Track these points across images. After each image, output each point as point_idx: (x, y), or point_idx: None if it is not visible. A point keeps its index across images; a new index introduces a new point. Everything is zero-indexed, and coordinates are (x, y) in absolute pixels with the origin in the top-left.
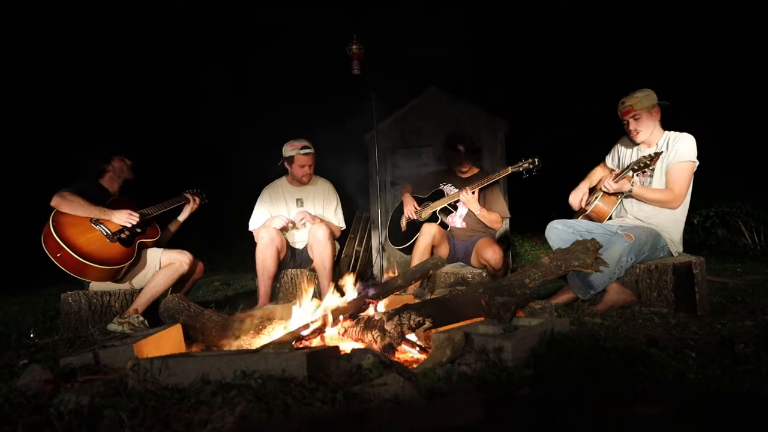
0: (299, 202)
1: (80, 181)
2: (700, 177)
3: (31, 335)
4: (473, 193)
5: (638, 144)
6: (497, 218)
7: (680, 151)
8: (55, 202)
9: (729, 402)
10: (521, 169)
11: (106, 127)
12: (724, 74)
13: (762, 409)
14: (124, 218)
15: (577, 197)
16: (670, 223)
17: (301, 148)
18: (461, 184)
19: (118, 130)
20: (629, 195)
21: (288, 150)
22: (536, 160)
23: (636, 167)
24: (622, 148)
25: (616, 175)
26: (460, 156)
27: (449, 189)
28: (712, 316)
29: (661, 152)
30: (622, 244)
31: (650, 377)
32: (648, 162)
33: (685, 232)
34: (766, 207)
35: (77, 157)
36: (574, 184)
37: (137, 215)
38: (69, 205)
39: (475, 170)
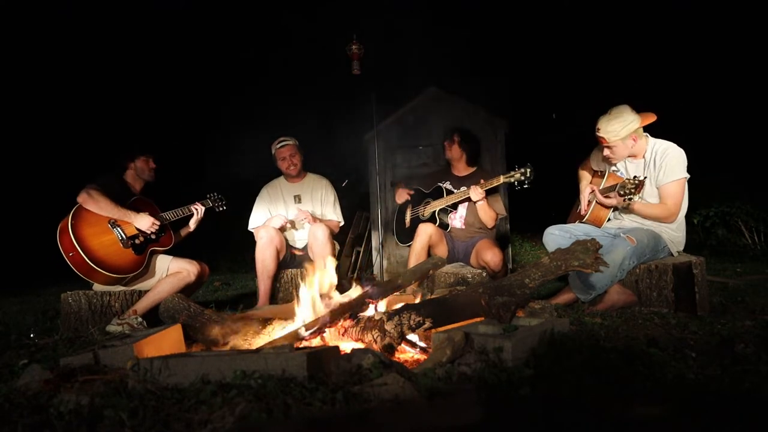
0: (297, 198)
1: (105, 174)
2: (699, 177)
3: (31, 335)
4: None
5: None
6: (494, 216)
7: (669, 170)
8: (82, 198)
9: (729, 402)
10: (513, 180)
11: (112, 129)
12: (724, 74)
13: (762, 409)
14: (146, 225)
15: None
16: (668, 225)
17: (278, 143)
18: (458, 182)
19: (132, 131)
20: (626, 209)
21: (272, 150)
22: (527, 171)
23: (621, 192)
24: None
25: (606, 191)
26: (454, 143)
27: (447, 187)
28: (712, 316)
29: (645, 178)
30: (624, 247)
31: (650, 377)
32: (632, 189)
33: (686, 231)
34: (766, 207)
35: (109, 155)
36: (574, 185)
37: (158, 223)
38: (96, 204)
39: (471, 169)
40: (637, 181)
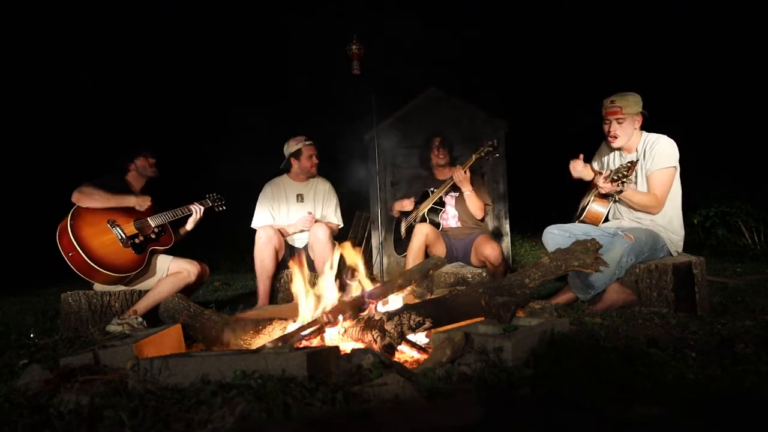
0: (299, 197)
1: (104, 176)
2: (699, 177)
3: (31, 335)
4: (465, 172)
5: (617, 149)
6: (482, 205)
7: (658, 158)
8: (75, 197)
9: (729, 402)
10: (483, 154)
11: (113, 130)
12: (724, 74)
13: (762, 409)
14: (143, 203)
15: (578, 166)
16: (667, 223)
17: (306, 140)
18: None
19: (129, 131)
20: (618, 199)
21: (293, 145)
22: (494, 141)
23: (615, 177)
24: (605, 152)
25: (606, 177)
26: (435, 146)
27: (433, 190)
28: (712, 316)
29: (637, 160)
30: (622, 244)
31: (650, 377)
32: (625, 172)
33: (685, 232)
34: (766, 207)
35: (110, 158)
36: (574, 185)
37: (152, 201)
38: (89, 198)
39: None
40: (629, 164)
